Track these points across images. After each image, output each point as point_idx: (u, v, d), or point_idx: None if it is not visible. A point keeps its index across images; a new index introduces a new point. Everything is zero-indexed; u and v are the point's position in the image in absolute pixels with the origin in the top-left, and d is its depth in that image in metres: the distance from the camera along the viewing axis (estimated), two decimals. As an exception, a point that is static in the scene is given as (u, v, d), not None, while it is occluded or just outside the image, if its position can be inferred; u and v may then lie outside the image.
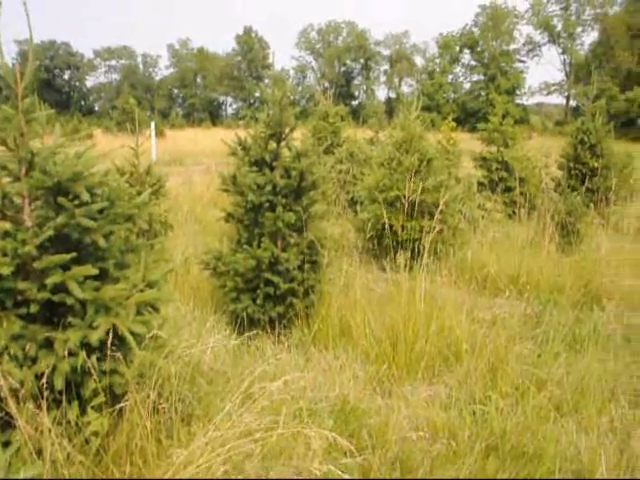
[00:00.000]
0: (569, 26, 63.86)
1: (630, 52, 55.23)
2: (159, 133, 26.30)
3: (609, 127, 9.90)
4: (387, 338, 4.05)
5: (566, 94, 63.28)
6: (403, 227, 6.07)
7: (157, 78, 78.40)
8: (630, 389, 3.65)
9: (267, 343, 4.24)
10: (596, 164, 8.98)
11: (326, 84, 72.11)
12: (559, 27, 64.60)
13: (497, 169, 9.21)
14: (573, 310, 4.85)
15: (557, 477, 2.81)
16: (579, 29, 64.24)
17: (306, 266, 4.70)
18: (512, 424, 3.19)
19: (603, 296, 5.16)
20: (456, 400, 3.51)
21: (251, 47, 74.61)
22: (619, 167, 9.81)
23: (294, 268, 4.63)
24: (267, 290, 4.52)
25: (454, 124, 13.36)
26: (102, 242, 2.90)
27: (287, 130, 5.02)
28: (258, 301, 4.52)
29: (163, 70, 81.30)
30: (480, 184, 9.07)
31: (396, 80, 74.55)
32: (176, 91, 76.92)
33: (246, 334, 4.04)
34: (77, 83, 76.52)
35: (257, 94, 72.29)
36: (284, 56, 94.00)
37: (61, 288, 2.70)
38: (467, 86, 68.65)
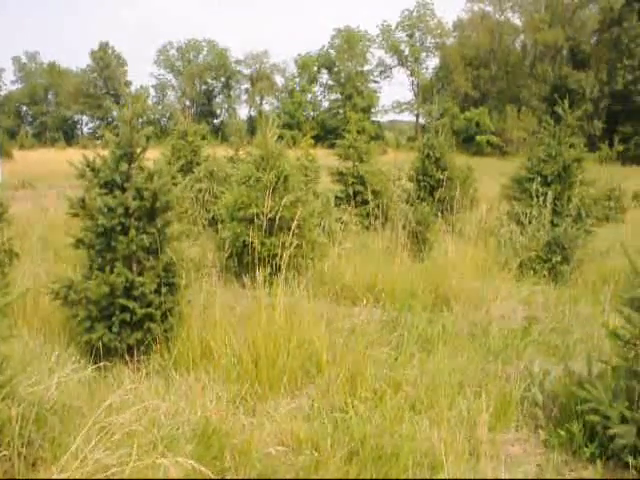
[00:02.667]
0: (414, 51, 69.10)
1: (465, 78, 61.24)
2: (5, 154, 24.19)
3: (451, 142, 10.76)
4: (249, 355, 4.02)
5: (415, 112, 68.17)
6: (263, 243, 6.10)
7: (1, 93, 72.18)
8: (475, 381, 3.94)
9: (125, 372, 4.02)
10: (441, 176, 9.71)
11: (187, 102, 70.99)
12: (406, 52, 69.56)
13: (353, 183, 9.61)
14: (425, 313, 5.16)
15: (411, 471, 2.95)
16: (423, 54, 69.70)
17: (163, 289, 4.53)
18: (371, 427, 3.31)
19: (451, 298, 5.55)
20: (318, 410, 3.56)
21: (107, 64, 71.37)
22: (461, 179, 10.70)
23: (151, 292, 4.45)
24: (123, 317, 4.30)
25: (312, 141, 13.77)
26: None
27: (139, 150, 4.84)
28: (114, 329, 4.28)
29: (9, 85, 74.67)
30: (338, 198, 9.40)
31: (257, 99, 75.32)
32: (25, 108, 71.27)
33: (106, 366, 3.81)
34: None
35: (115, 112, 69.05)
36: (144, 74, 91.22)
37: None
38: (326, 104, 71.33)
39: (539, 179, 8.52)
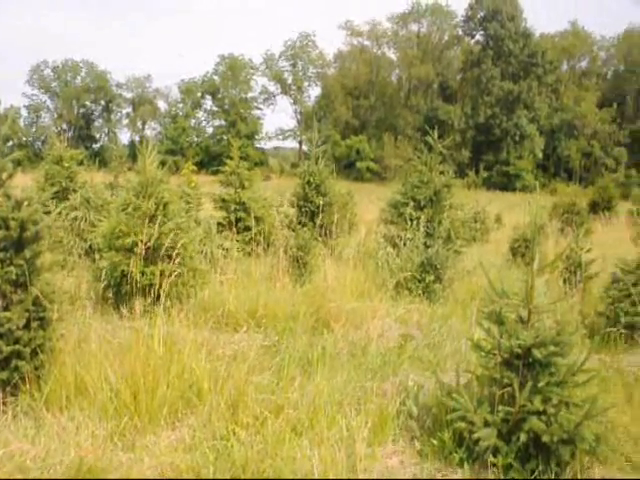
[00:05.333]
0: (297, 80, 70.96)
1: (346, 107, 64.14)
2: None
3: (331, 169, 11.16)
4: (127, 389, 3.89)
5: (299, 139, 69.74)
6: (143, 273, 5.93)
7: None
8: (354, 399, 4.08)
9: (-11, 416, 3.72)
10: (321, 202, 10.02)
11: (64, 125, 67.41)
12: (289, 80, 71.24)
13: (236, 210, 9.64)
14: (306, 336, 5.27)
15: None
16: (306, 83, 71.81)
17: (34, 324, 4.27)
18: (253, 453, 3.32)
19: (331, 319, 5.72)
20: (199, 440, 3.52)
21: (-31, 83, 65.99)
22: (341, 204, 11.11)
23: (19, 328, 4.17)
24: (-14, 356, 3.98)
25: (196, 167, 13.64)
26: None
27: (4, 176, 4.56)
28: (-25, 369, 3.95)
29: None
30: (220, 225, 9.37)
31: (139, 123, 73.21)
32: None
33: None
34: None
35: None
36: (15, 93, 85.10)
37: None
38: (210, 130, 70.90)
39: (413, 204, 9.08)
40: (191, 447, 3.49)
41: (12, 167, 4.65)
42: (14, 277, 4.27)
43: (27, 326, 4.26)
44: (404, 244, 8.09)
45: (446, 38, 69.15)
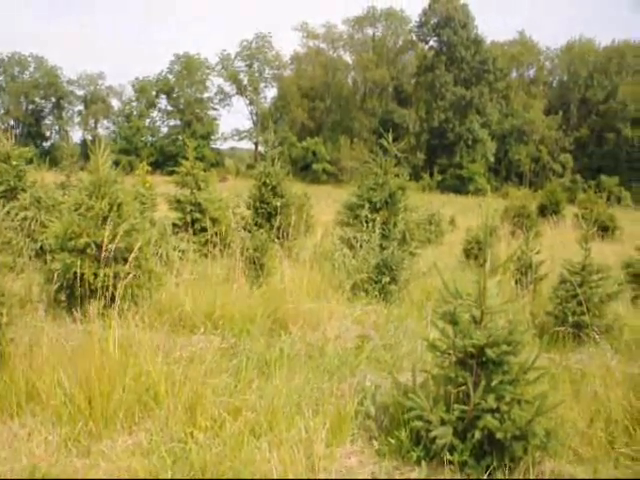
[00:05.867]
0: (253, 81, 70.58)
1: (302, 108, 64.24)
2: None
3: (287, 170, 11.17)
4: (82, 394, 3.80)
5: (255, 141, 69.39)
6: (96, 275, 5.80)
7: None
8: (312, 400, 4.10)
9: None
10: (278, 203, 10.03)
11: (11, 122, 65.05)
12: (245, 81, 70.78)
13: (191, 211, 9.53)
14: (264, 337, 5.26)
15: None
16: (262, 84, 71.50)
17: (-20, 329, 4.13)
18: (211, 455, 3.30)
19: (289, 321, 5.73)
20: (157, 444, 3.47)
21: None
22: (298, 205, 11.13)
23: (-36, 333, 4.03)
24: None
25: (149, 167, 13.43)
26: None
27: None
28: None
29: None
30: (175, 226, 9.25)
31: (92, 122, 71.35)
32: None
33: None
34: None
35: None
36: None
37: None
38: (165, 130, 69.71)
39: (368, 206, 9.18)
40: (148, 451, 3.44)
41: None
42: (-41, 280, 4.12)
43: (-27, 331, 4.12)
44: (360, 246, 8.18)
45: (401, 43, 70.17)
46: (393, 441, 3.70)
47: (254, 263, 7.06)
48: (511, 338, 3.73)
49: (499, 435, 3.47)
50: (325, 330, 5.60)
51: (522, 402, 3.66)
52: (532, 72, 71.54)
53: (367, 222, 8.61)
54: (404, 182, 10.02)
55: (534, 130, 62.83)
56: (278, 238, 8.48)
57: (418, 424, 3.66)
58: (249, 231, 8.73)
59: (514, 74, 69.94)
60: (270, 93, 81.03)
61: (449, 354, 3.94)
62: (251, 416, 3.72)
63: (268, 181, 10.28)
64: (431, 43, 66.57)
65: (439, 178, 59.15)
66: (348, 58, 70.68)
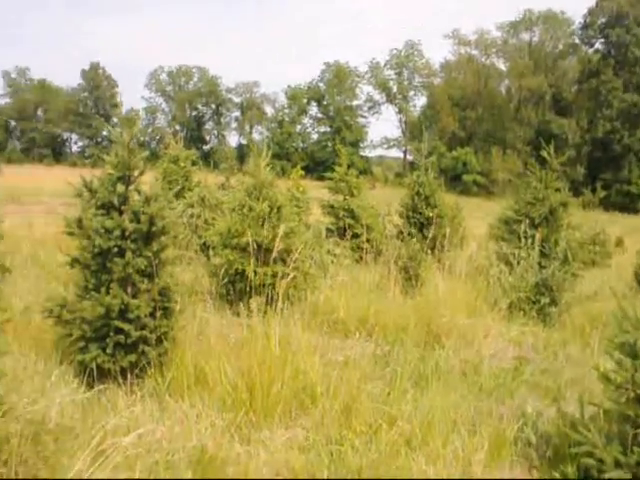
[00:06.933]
0: (403, 89, 70.48)
1: (452, 117, 62.53)
2: (-7, 168, 24.00)
3: (440, 181, 10.96)
4: (243, 384, 4.00)
5: (404, 149, 69.18)
6: (255, 272, 6.10)
7: (-12, 106, 71.66)
8: (468, 419, 3.95)
9: (119, 394, 3.97)
10: (431, 214, 9.87)
11: (177, 127, 71.30)
12: (394, 89, 70.93)
13: (344, 216, 9.72)
14: (417, 349, 5.18)
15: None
16: (411, 92, 71.15)
17: (158, 313, 4.51)
18: (367, 460, 3.30)
19: (442, 334, 5.59)
20: (313, 442, 3.55)
21: (98, 84, 71.62)
22: (450, 216, 10.88)
23: (145, 315, 4.42)
24: (117, 338, 4.26)
25: (303, 172, 13.91)
26: None
27: (136, 173, 4.85)
28: (108, 350, 4.23)
29: (-4, 98, 74.01)
30: (329, 230, 9.47)
31: (247, 127, 75.95)
32: (13, 123, 70.71)
33: (96, 387, 3.76)
34: None
35: (105, 132, 69.13)
36: (134, 96, 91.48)
37: None
38: (315, 136, 72.07)
39: (527, 221, 8.69)
40: (305, 448, 3.52)
41: (142, 165, 4.97)
42: (142, 267, 4.53)
43: (152, 314, 4.51)
44: (517, 262, 7.77)
45: (560, 47, 65.76)
46: (557, 475, 3.43)
47: (407, 272, 7.00)
48: None
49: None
50: (480, 347, 5.39)
51: None
52: None
53: (525, 238, 8.15)
54: (566, 197, 9.36)
55: None
56: (431, 249, 8.34)
57: (589, 461, 3.35)
58: (401, 240, 8.69)
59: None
60: (419, 101, 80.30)
61: (626, 389, 3.57)
62: (406, 427, 3.66)
63: (421, 191, 10.17)
64: (597, 46, 61.49)
65: (602, 194, 54.23)
66: (502, 65, 67.94)
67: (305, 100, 72.65)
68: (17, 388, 3.44)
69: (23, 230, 10.57)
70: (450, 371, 4.81)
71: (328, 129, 70.39)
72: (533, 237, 8.24)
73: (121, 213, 4.66)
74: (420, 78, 71.35)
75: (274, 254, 6.24)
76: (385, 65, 71.50)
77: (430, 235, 8.33)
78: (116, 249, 4.50)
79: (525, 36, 66.81)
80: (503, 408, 4.13)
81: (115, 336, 4.27)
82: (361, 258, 7.70)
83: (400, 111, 71.20)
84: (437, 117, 65.16)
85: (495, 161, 56.81)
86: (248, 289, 6.07)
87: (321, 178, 38.33)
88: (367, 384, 4.18)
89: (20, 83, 72.75)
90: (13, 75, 72.61)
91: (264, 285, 5.89)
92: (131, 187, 4.79)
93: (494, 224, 9.79)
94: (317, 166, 58.31)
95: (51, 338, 4.57)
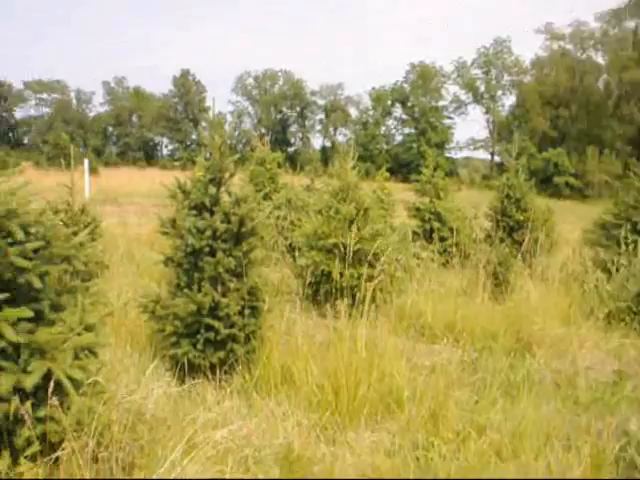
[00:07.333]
0: (490, 89, 68.33)
1: (543, 117, 59.74)
2: (93, 171, 25.63)
3: (531, 183, 10.53)
4: (329, 385, 4.03)
5: (491, 150, 67.09)
6: (341, 274, 6.13)
7: (91, 114, 76.68)
8: (562, 434, 3.77)
9: (208, 389, 4.12)
10: (521, 217, 9.50)
11: (263, 130, 72.99)
12: (482, 89, 68.94)
13: (430, 219, 9.56)
14: (507, 357, 5.00)
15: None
16: (499, 92, 68.81)
17: (247, 312, 4.64)
18: (455, 468, 3.22)
19: (533, 343, 5.37)
20: (399, 446, 3.52)
21: (188, 90, 74.76)
22: (541, 220, 10.43)
23: (234, 313, 4.57)
24: (208, 335, 4.42)
25: (388, 174, 13.83)
26: (37, 282, 2.78)
27: (227, 175, 5.02)
28: (198, 346, 4.41)
29: (97, 107, 79.24)
30: (414, 233, 9.35)
31: (331, 129, 76.51)
32: (110, 129, 75.30)
33: (187, 381, 3.92)
34: (4, 114, 73.52)
35: (194, 136, 72.09)
36: (221, 100, 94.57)
37: (-7, 330, 2.55)
38: (399, 138, 71.40)
39: (628, 226, 8.18)
40: (391, 452, 3.50)
41: (233, 167, 5.12)
42: (232, 267, 4.67)
43: (241, 313, 4.64)
44: (617, 270, 7.31)
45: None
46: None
47: (496, 278, 6.78)
48: None
49: None
50: (574, 359, 5.12)
51: None
52: None
53: (626, 244, 7.67)
54: (675, 201, 8.70)
55: None
56: (521, 254, 8.03)
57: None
58: (490, 244, 8.44)
59: None
60: (508, 101, 77.46)
61: None
62: (496, 437, 3.54)
63: (511, 193, 9.81)
64: None
65: None
66: (599, 59, 64.00)
67: (389, 102, 72.18)
68: (115, 378, 3.65)
69: (119, 229, 11.19)
70: (542, 382, 4.62)
71: (413, 130, 69.50)
72: (635, 243, 7.74)
73: (212, 214, 4.84)
74: (509, 76, 68.91)
75: (360, 256, 6.26)
76: (472, 64, 69.60)
77: (521, 240, 8.03)
78: (207, 248, 4.68)
79: (630, 24, 62.02)
80: (601, 424, 3.89)
81: (205, 333, 4.43)
82: (447, 262, 7.54)
83: (487, 111, 69.11)
84: (527, 116, 62.47)
85: (590, 162, 53.62)
86: (334, 290, 6.11)
87: (405, 180, 37.98)
88: (454, 391, 4.10)
89: (118, 92, 77.24)
90: (112, 85, 77.25)
91: (350, 287, 5.91)
92: (222, 189, 4.96)
93: (589, 228, 9.28)
94: (401, 168, 57.80)
95: (145, 332, 4.81)
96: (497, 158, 64.09)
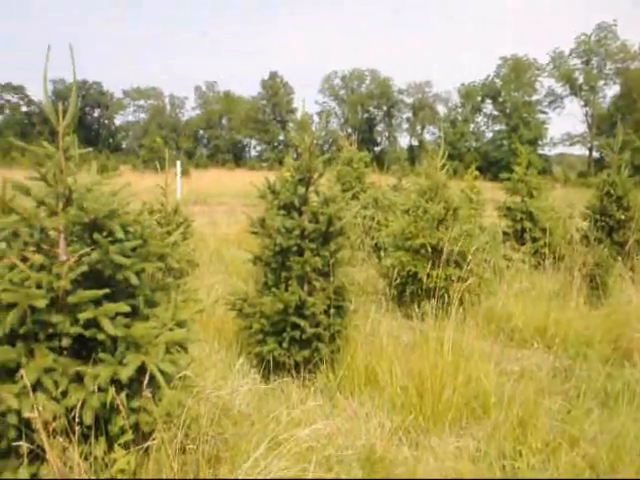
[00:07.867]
0: (591, 79, 64.45)
1: (652, 106, 55.51)
2: (184, 172, 26.81)
3: (635, 180, 9.84)
4: (413, 387, 3.99)
5: (589, 145, 63.40)
6: (428, 275, 6.04)
7: (183, 119, 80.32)
8: (666, 449, 3.51)
9: (292, 387, 4.20)
10: (622, 217, 8.91)
11: (349, 129, 73.16)
12: (580, 80, 65.23)
13: (521, 219, 9.18)
14: (603, 365, 4.73)
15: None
16: (601, 82, 64.76)
17: (332, 311, 4.68)
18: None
19: (635, 351, 5.04)
20: (485, 454, 3.42)
21: (276, 92, 76.37)
22: (644, 220, 9.72)
23: (320, 313, 4.61)
24: (293, 334, 4.50)
25: (477, 173, 13.45)
26: (134, 279, 2.93)
27: (316, 175, 5.07)
28: (284, 344, 4.49)
29: (190, 111, 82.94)
30: (505, 234, 9.03)
31: (418, 128, 75.44)
32: (201, 132, 78.45)
33: (274, 379, 4.01)
34: (106, 121, 78.65)
35: (281, 137, 73.53)
36: (308, 101, 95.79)
37: (93, 323, 2.73)
38: (489, 135, 69.14)
39: None
40: (476, 459, 3.41)
41: (322, 167, 5.17)
42: (319, 266, 4.72)
43: (327, 312, 4.68)
44: None
45: None
46: None
47: (593, 281, 6.42)
48: None
49: None
50: (681, 369, 4.75)
51: None
52: None
53: None
54: None
55: None
56: (621, 256, 7.55)
57: None
58: (586, 245, 7.99)
59: None
60: (610, 92, 72.53)
61: None
62: (590, 449, 3.36)
63: (612, 191, 9.22)
64: None
65: None
66: None
67: (479, 97, 70.10)
68: (203, 373, 3.80)
69: (208, 229, 11.62)
70: (642, 393, 4.32)
71: (504, 127, 67.06)
72: None
73: (301, 213, 4.92)
74: (613, 64, 64.53)
75: (447, 257, 6.14)
76: (570, 54, 66.00)
77: (622, 240, 7.54)
78: (295, 248, 4.76)
79: None
80: None
81: (291, 331, 4.51)
82: (539, 264, 7.22)
83: (586, 104, 65.29)
84: (632, 107, 58.23)
85: None
86: (420, 292, 6.03)
87: (495, 178, 36.70)
88: (545, 399, 3.92)
89: (209, 96, 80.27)
90: (203, 89, 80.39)
91: (437, 288, 5.81)
92: (311, 188, 5.03)
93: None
94: (491, 166, 55.94)
95: (232, 329, 4.97)
96: (596, 153, 60.48)
